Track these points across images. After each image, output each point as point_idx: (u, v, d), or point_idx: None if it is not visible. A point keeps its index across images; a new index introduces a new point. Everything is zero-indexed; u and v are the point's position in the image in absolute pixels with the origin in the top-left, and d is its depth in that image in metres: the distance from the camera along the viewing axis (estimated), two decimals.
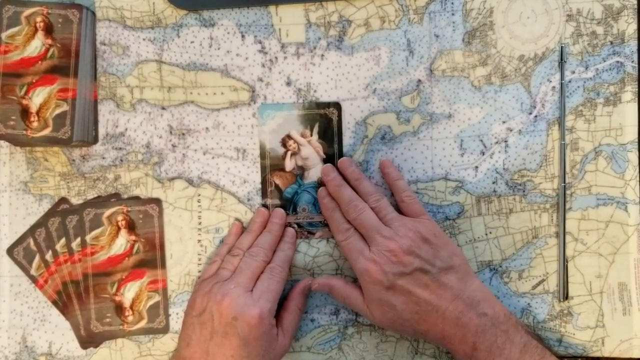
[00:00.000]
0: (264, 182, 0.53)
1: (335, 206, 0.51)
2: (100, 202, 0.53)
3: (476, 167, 0.52)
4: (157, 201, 0.53)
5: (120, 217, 0.52)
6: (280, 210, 0.52)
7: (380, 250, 0.47)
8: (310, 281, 0.52)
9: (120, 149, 0.53)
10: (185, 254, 0.53)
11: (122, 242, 0.52)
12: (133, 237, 0.52)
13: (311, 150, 0.53)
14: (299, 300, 0.51)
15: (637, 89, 0.52)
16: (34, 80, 0.49)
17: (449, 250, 0.48)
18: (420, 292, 0.46)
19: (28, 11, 0.49)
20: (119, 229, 0.52)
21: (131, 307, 0.52)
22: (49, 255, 0.52)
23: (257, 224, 0.52)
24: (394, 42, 0.52)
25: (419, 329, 0.47)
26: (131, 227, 0.52)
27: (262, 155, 0.53)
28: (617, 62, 0.52)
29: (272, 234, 0.51)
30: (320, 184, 0.53)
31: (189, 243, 0.53)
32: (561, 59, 0.52)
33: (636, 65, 0.52)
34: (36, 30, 0.49)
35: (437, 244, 0.48)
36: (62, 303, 0.52)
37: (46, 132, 0.49)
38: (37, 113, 0.49)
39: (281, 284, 0.49)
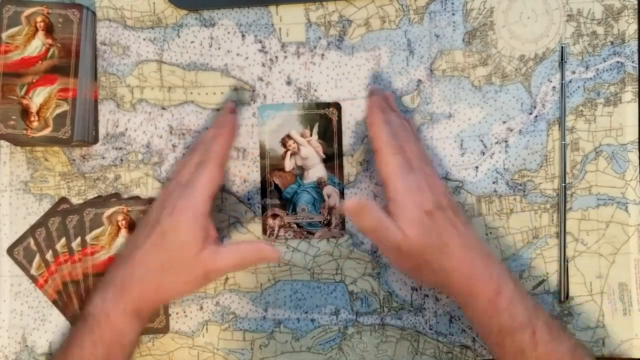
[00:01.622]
0: (263, 182, 0.53)
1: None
2: (101, 202, 0.53)
3: (476, 167, 0.52)
4: None
5: (120, 217, 0.52)
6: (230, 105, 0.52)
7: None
8: (276, 254, 0.47)
9: (120, 148, 0.53)
10: None
11: (122, 243, 0.52)
12: None
13: (311, 150, 0.53)
14: (250, 257, 0.48)
15: (637, 89, 0.52)
16: (34, 80, 0.49)
17: None
18: (461, 226, 0.46)
19: (28, 11, 0.49)
20: (119, 228, 0.52)
21: None
22: (49, 255, 0.52)
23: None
24: (394, 42, 0.52)
25: (446, 265, 0.45)
26: (131, 227, 0.52)
27: (262, 155, 0.53)
28: (618, 62, 0.52)
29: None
30: (319, 184, 0.53)
31: None
32: (561, 59, 0.52)
33: (637, 66, 0.51)
34: (36, 30, 0.49)
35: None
36: (63, 303, 0.52)
37: (46, 132, 0.49)
38: (38, 113, 0.49)
39: (207, 178, 0.47)
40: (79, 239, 0.52)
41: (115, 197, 0.53)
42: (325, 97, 0.53)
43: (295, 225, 0.53)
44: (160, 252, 0.46)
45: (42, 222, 0.53)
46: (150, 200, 0.52)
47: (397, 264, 0.49)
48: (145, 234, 0.47)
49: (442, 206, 0.46)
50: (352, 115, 0.53)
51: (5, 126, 0.49)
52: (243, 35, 0.53)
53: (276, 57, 0.53)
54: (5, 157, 0.53)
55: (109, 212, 0.52)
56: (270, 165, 0.53)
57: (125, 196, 0.53)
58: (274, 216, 0.53)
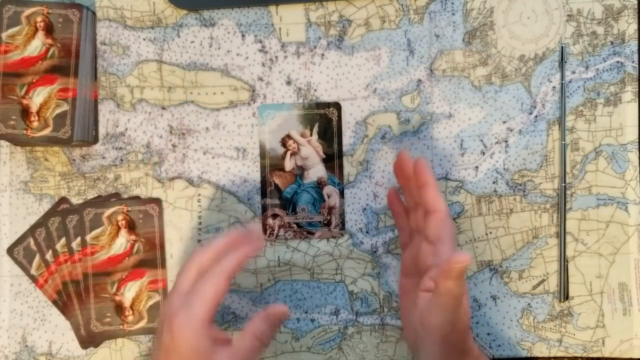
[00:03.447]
0: (263, 181, 0.53)
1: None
2: (100, 201, 0.53)
3: (476, 167, 0.52)
4: (157, 201, 0.53)
5: (120, 217, 0.52)
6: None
7: None
8: (282, 308, 0.44)
9: (120, 148, 0.53)
10: (185, 254, 0.53)
11: (122, 242, 0.52)
12: (133, 237, 0.52)
13: (311, 150, 0.53)
14: (259, 327, 0.43)
15: (637, 89, 0.52)
16: (34, 80, 0.49)
17: None
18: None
19: (28, 11, 0.49)
20: (119, 228, 0.52)
21: (131, 307, 0.52)
22: (49, 255, 0.52)
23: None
24: (394, 42, 0.52)
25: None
26: (131, 226, 0.52)
27: (262, 155, 0.53)
28: (618, 62, 0.52)
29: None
30: (319, 184, 0.53)
31: (189, 243, 0.53)
32: (561, 59, 0.52)
33: (636, 66, 0.51)
34: (36, 30, 0.49)
35: None
36: (62, 303, 0.52)
37: (46, 131, 0.49)
38: (38, 113, 0.49)
39: (213, 290, 0.41)
40: (78, 239, 0.52)
41: (115, 197, 0.53)
42: (325, 97, 0.53)
43: (295, 225, 0.53)
44: None
45: (42, 222, 0.53)
46: (150, 200, 0.52)
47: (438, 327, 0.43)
48: (155, 355, 0.43)
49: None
50: (352, 115, 0.53)
51: (5, 126, 0.49)
52: (243, 35, 0.53)
53: (276, 57, 0.53)
54: (5, 157, 0.53)
55: (109, 212, 0.52)
56: (270, 165, 0.53)
57: (125, 196, 0.53)
58: (274, 216, 0.53)
